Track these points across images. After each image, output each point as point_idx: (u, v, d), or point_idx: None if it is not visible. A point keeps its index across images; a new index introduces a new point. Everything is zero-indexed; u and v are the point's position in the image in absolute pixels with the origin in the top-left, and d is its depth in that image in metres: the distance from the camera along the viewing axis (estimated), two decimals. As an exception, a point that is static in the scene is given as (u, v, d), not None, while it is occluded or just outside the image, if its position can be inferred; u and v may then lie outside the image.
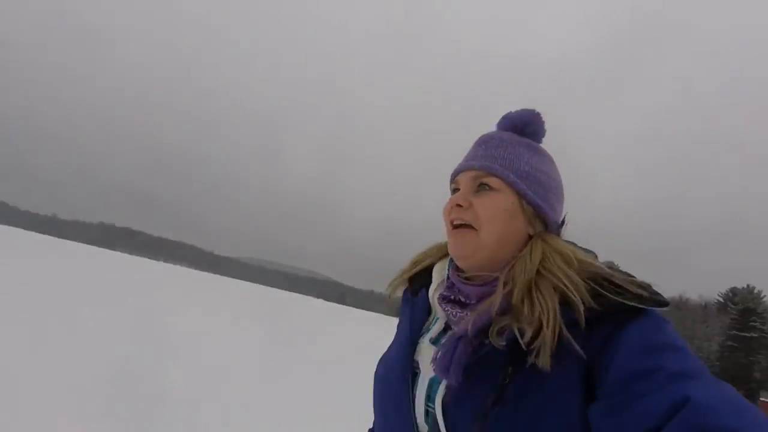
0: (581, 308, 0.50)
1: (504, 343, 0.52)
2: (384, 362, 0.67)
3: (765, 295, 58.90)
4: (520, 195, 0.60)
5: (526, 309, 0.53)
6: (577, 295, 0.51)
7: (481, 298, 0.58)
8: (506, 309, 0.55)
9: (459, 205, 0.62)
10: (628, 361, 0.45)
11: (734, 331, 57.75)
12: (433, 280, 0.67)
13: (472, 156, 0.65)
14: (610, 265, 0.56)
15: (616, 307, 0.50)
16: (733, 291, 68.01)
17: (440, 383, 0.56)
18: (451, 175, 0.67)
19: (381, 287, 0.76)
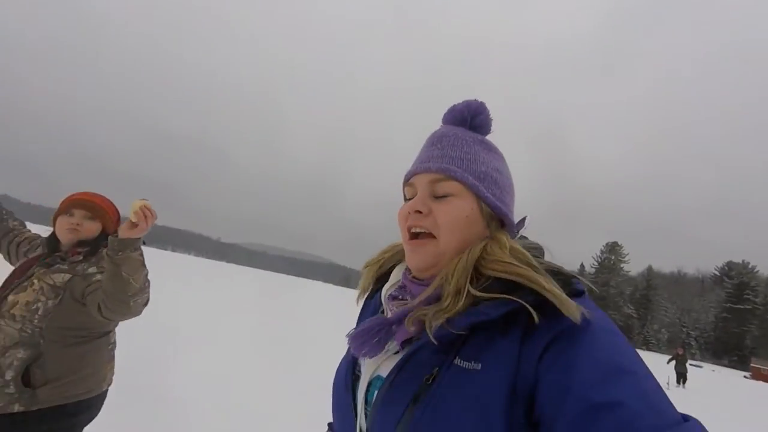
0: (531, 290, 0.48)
1: (435, 339, 0.50)
2: (337, 368, 0.66)
3: (758, 270, 60.43)
4: (480, 198, 0.58)
5: (451, 300, 0.52)
6: (523, 280, 0.49)
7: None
8: (434, 300, 0.55)
9: (418, 212, 0.59)
10: (589, 387, 0.43)
11: (729, 304, 59.64)
12: (390, 280, 0.66)
13: (427, 157, 0.61)
14: (551, 266, 0.54)
15: (557, 312, 0.47)
16: (729, 265, 69.65)
17: (378, 387, 0.55)
18: (405, 177, 0.63)
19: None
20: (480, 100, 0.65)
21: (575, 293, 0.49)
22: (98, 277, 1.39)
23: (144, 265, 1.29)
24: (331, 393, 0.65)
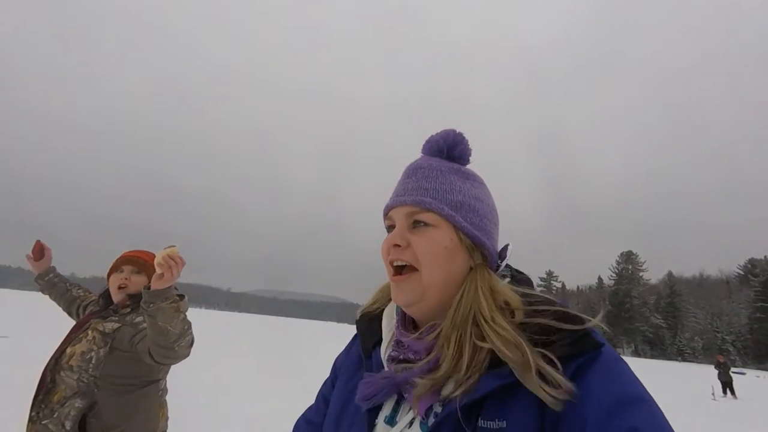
0: (520, 368, 0.48)
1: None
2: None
3: (785, 263, 58.00)
4: (457, 228, 0.59)
5: (453, 363, 0.52)
6: (513, 355, 0.49)
7: (429, 352, 0.56)
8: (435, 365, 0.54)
9: (397, 245, 0.59)
10: (604, 417, 0.44)
11: (760, 303, 57.00)
12: (384, 336, 0.64)
13: (402, 190, 0.62)
14: (544, 298, 0.55)
15: (564, 355, 0.48)
16: (752, 262, 67.36)
17: None
18: (384, 211, 0.64)
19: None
20: (458, 130, 0.64)
21: (592, 344, 0.49)
22: (145, 324, 1.46)
23: (179, 311, 1.33)
24: None
